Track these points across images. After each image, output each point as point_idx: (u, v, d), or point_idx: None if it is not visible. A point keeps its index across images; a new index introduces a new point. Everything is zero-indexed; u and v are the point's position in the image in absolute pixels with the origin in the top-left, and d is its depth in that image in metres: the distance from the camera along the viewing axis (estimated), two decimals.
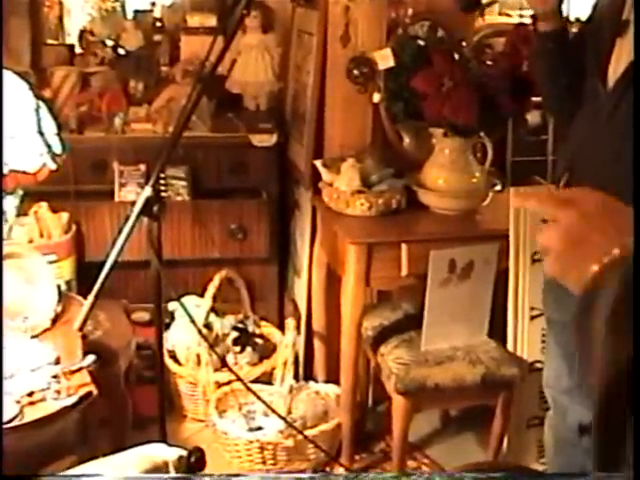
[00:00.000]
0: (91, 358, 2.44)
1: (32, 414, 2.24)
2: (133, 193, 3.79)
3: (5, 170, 2.60)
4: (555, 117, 3.23)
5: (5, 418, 2.18)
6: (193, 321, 2.88)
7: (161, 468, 1.65)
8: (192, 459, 1.75)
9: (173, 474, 1.66)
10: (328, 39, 3.55)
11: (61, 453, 2.35)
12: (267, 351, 3.90)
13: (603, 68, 2.22)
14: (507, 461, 3.27)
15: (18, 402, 2.25)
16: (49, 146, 2.72)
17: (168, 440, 2.60)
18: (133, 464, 1.67)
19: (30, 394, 2.28)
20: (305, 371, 3.94)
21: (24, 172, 2.65)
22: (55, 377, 2.34)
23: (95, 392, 2.34)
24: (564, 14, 2.43)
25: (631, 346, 0.92)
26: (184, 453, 1.75)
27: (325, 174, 3.46)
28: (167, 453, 1.73)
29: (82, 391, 2.32)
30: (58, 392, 2.30)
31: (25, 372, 2.36)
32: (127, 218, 2.46)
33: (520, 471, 1.85)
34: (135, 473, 1.60)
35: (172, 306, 3.85)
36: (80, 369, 2.40)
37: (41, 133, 2.69)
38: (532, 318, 3.19)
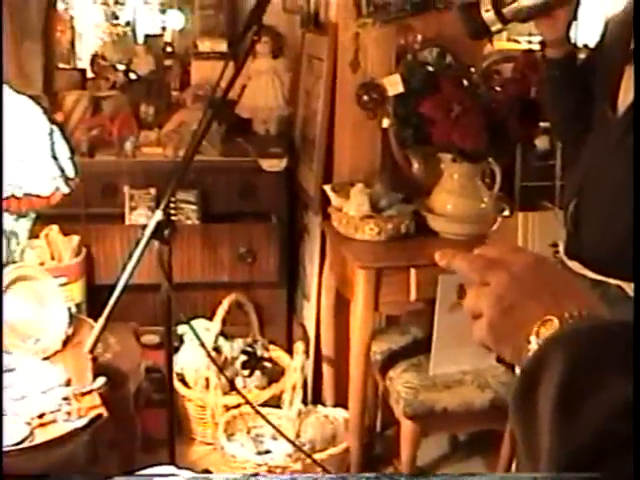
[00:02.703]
0: (101, 380, 2.45)
1: (43, 436, 2.25)
2: (143, 217, 3.81)
3: (19, 193, 2.62)
4: (564, 143, 3.22)
5: (16, 439, 2.19)
6: (202, 344, 2.89)
7: None
8: None
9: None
10: (338, 65, 3.58)
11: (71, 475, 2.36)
12: (276, 375, 3.90)
13: (612, 95, 2.23)
14: None
15: (29, 424, 2.26)
16: (62, 170, 2.74)
17: (177, 463, 2.61)
18: None
19: (41, 416, 2.30)
20: (314, 395, 3.94)
21: (38, 196, 2.68)
22: (66, 399, 2.36)
23: (105, 414, 2.36)
24: (572, 40, 2.45)
25: (585, 429, 0.81)
26: None
27: (334, 199, 3.47)
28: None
29: (92, 413, 2.34)
30: (69, 414, 2.31)
31: (36, 394, 2.38)
32: (137, 241, 2.48)
33: None
34: None
35: (182, 329, 3.86)
36: (90, 391, 2.42)
37: (55, 157, 2.71)
38: None
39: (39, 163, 2.66)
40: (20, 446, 2.18)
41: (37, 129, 2.68)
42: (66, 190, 2.76)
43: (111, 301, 2.44)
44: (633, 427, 0.77)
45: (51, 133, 2.72)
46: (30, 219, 2.89)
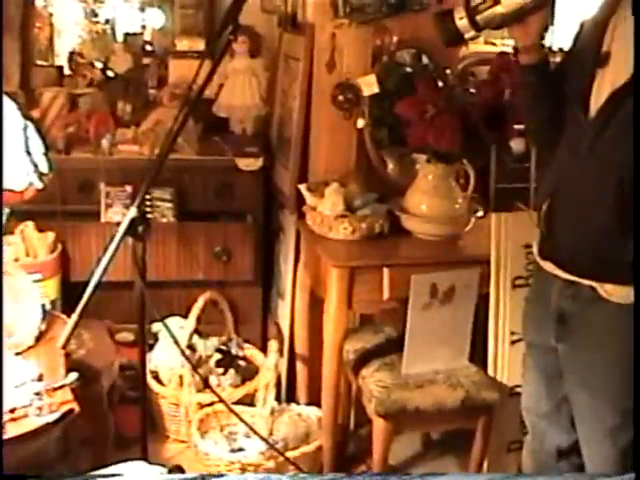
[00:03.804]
0: (74, 376, 2.45)
1: (14, 430, 2.25)
2: (119, 214, 3.82)
3: None
4: (537, 146, 3.25)
5: None
6: (176, 342, 2.89)
7: None
8: None
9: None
10: (314, 65, 3.59)
11: (42, 470, 2.36)
12: (250, 373, 3.91)
13: (584, 98, 2.25)
14: None
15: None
16: (36, 165, 2.74)
17: (149, 460, 2.60)
18: None
19: (12, 410, 2.29)
20: (287, 393, 3.96)
21: (11, 190, 2.67)
22: (38, 394, 2.35)
23: (77, 409, 2.36)
24: (547, 45, 2.46)
25: None
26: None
27: (309, 198, 3.49)
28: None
29: (64, 408, 2.33)
30: (40, 409, 2.31)
31: (8, 388, 2.37)
32: (112, 238, 2.48)
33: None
34: None
35: (156, 327, 3.87)
36: (62, 386, 2.41)
37: (28, 152, 2.71)
38: (512, 343, 3.22)
39: (12, 158, 2.66)
40: None
41: (11, 125, 2.68)
42: (40, 185, 2.76)
43: (85, 297, 2.43)
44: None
45: (25, 129, 2.72)
46: (4, 215, 2.89)
